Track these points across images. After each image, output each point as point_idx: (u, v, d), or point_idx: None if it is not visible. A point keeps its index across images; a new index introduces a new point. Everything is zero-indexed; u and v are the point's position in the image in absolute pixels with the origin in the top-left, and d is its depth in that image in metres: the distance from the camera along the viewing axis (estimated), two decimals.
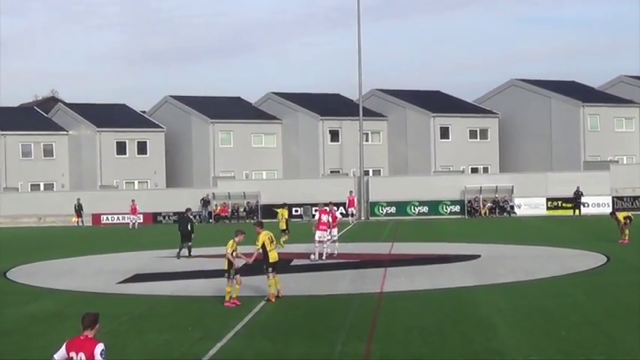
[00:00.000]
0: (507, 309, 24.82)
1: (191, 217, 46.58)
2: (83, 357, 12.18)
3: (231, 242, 26.25)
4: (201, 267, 38.26)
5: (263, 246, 26.93)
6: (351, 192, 74.99)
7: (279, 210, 51.04)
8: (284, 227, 48.74)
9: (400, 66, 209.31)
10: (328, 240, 41.05)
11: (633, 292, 27.58)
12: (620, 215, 46.11)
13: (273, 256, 27.03)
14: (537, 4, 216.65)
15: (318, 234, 40.48)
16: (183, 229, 43.82)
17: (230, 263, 26.21)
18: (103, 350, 12.29)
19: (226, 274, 26.31)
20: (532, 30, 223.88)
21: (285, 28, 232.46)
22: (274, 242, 27.68)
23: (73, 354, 12.28)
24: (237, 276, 26.14)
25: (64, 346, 12.48)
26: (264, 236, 27.15)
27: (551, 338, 20.33)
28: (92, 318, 12.70)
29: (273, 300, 26.65)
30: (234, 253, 26.04)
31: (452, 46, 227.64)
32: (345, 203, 73.21)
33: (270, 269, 27.00)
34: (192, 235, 43.90)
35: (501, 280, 31.66)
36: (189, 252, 43.41)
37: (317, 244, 40.46)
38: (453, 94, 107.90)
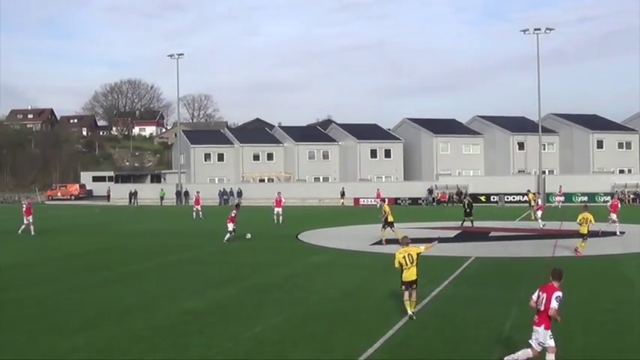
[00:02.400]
0: None
1: (470, 199, 45.03)
2: (544, 297, 11.59)
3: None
4: (426, 235, 38.29)
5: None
6: (560, 186, 73.07)
7: (530, 194, 53.00)
8: (533, 204, 50.03)
9: (567, 96, 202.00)
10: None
11: None
12: None
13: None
14: None
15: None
16: (467, 207, 43.12)
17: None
18: (559, 296, 11.45)
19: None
20: None
21: (487, 70, 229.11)
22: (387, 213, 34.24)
23: (540, 293, 11.75)
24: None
25: (538, 288, 11.98)
26: (387, 207, 34.84)
27: None
28: (558, 272, 11.92)
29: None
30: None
31: (607, 80, 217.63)
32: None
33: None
34: (472, 212, 43.14)
35: None
36: (472, 223, 42.38)
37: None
38: (607, 117, 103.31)
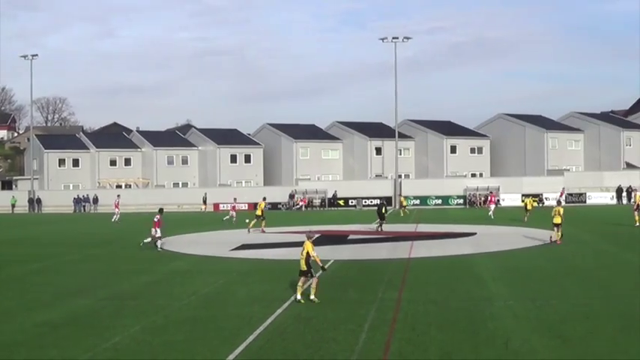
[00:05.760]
0: (494, 269, 24.69)
1: (385, 204, 45.32)
2: None
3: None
4: (285, 239, 38.50)
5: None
6: (491, 192, 73.63)
7: (402, 199, 66.39)
8: (405, 205, 64.56)
9: (423, 103, 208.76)
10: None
11: (577, 257, 27.53)
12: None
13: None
14: (516, 61, 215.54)
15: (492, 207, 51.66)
16: (380, 211, 43.29)
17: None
18: None
19: None
20: (513, 80, 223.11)
21: (345, 77, 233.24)
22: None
23: None
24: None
25: None
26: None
27: (522, 289, 20.27)
28: None
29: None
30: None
31: (460, 89, 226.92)
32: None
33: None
34: (386, 216, 43.77)
35: (490, 249, 31.40)
36: (381, 228, 42.54)
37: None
38: (460, 123, 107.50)
